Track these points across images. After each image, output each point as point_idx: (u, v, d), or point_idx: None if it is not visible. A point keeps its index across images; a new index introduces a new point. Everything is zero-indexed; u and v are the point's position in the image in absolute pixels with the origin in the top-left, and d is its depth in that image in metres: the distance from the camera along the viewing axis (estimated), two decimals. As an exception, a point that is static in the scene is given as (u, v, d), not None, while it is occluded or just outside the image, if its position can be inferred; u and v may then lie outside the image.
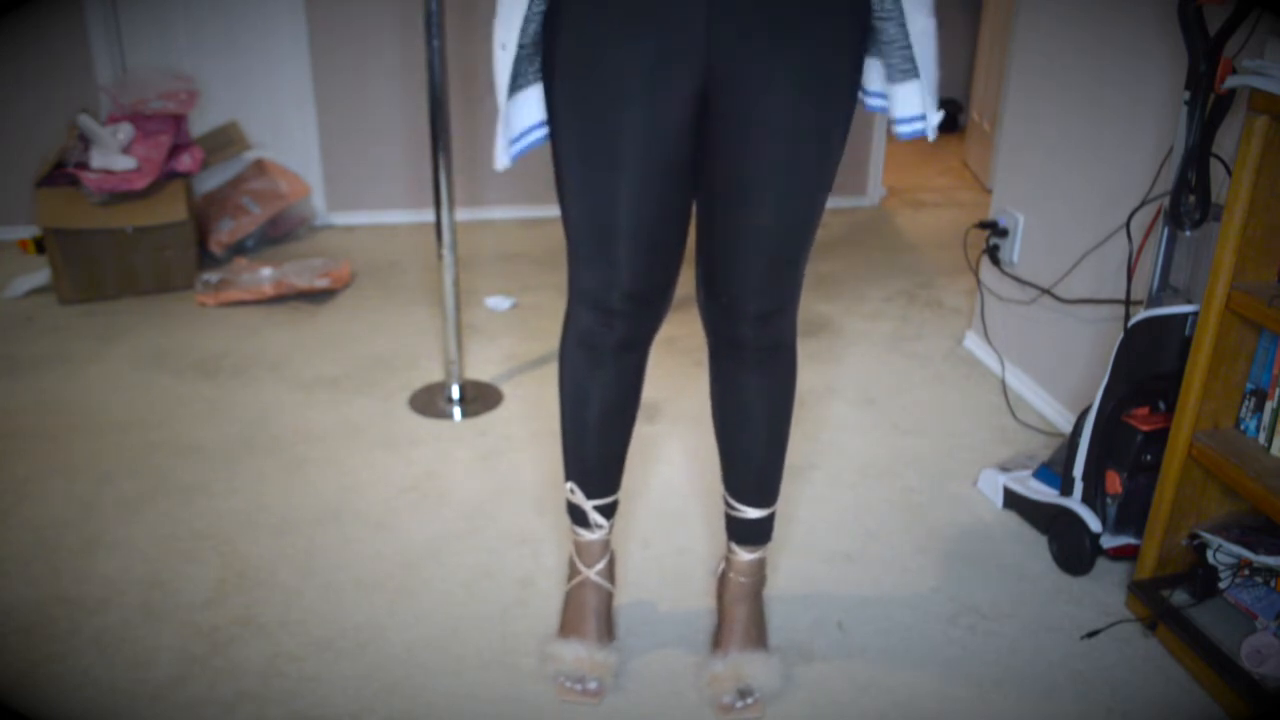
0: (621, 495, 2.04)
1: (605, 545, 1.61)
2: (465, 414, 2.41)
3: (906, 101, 1.29)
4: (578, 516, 1.59)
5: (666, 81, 1.23)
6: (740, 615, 1.58)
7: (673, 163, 1.29)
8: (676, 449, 2.25)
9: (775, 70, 1.23)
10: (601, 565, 1.61)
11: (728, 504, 1.56)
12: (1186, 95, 1.69)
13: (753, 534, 1.56)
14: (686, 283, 2.80)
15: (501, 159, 1.34)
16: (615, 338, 1.43)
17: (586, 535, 1.59)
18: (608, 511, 1.58)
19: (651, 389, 2.53)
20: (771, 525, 1.57)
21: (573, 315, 1.45)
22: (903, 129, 1.31)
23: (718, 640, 1.58)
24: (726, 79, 1.24)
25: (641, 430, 2.33)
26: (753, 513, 1.54)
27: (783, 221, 1.32)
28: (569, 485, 1.56)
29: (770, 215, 1.31)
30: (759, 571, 1.60)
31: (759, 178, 1.28)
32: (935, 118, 1.30)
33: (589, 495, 1.56)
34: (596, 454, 1.53)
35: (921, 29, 1.25)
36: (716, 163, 1.30)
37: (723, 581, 1.62)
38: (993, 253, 2.63)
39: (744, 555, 1.58)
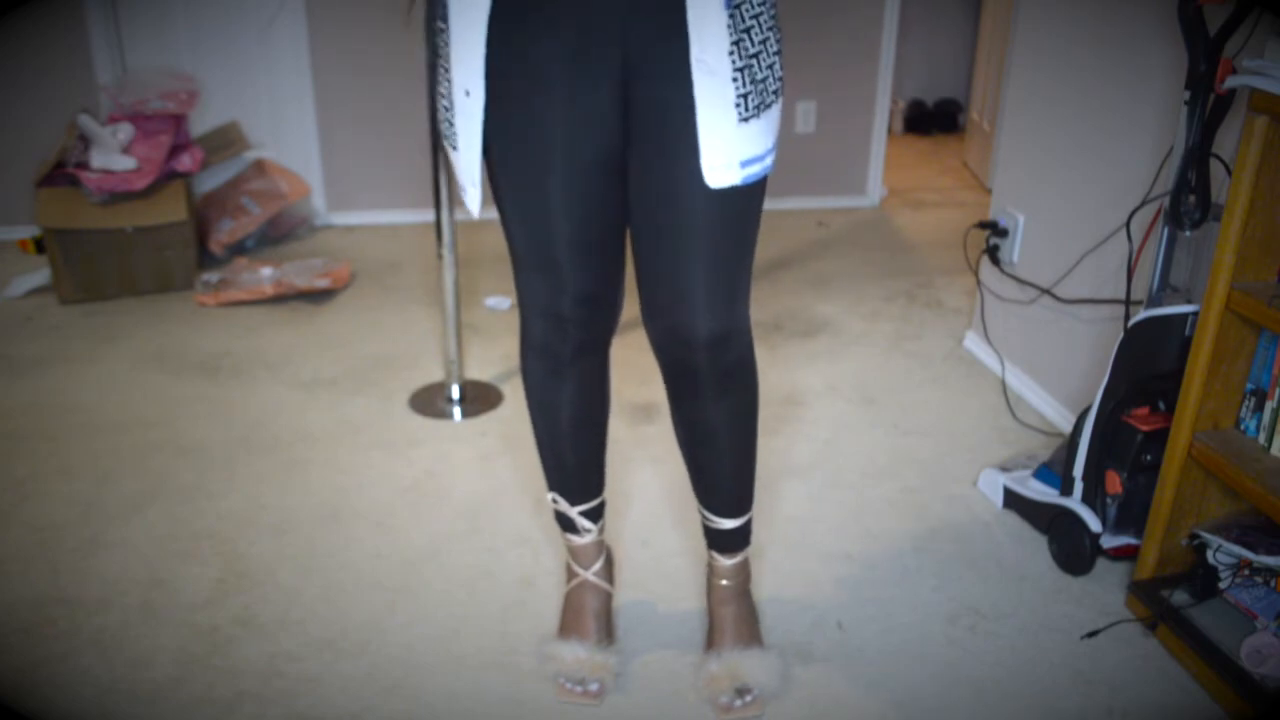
0: (617, 496, 2.04)
1: (599, 546, 1.61)
2: (465, 414, 2.41)
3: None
4: (565, 524, 1.59)
5: (586, 71, 1.21)
6: (729, 615, 1.57)
7: (600, 161, 1.27)
8: (675, 449, 2.24)
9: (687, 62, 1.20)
10: (598, 566, 1.61)
11: (703, 515, 1.55)
12: (1186, 95, 1.69)
13: (731, 542, 1.56)
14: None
15: (476, 203, 1.33)
16: (571, 346, 1.41)
17: (577, 540, 1.59)
18: (594, 515, 1.58)
19: (651, 389, 2.53)
20: (749, 530, 1.56)
21: (527, 328, 1.43)
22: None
23: (710, 641, 1.58)
24: (641, 69, 1.22)
25: (640, 430, 2.33)
26: (728, 523, 1.53)
27: (714, 222, 1.26)
28: (551, 495, 1.56)
29: (701, 215, 1.25)
30: (742, 572, 1.59)
31: (681, 174, 1.24)
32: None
33: (572, 502, 1.56)
34: (573, 463, 1.53)
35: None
36: (642, 159, 1.26)
37: (709, 585, 1.62)
38: (993, 253, 2.63)
39: (725, 561, 1.57)
